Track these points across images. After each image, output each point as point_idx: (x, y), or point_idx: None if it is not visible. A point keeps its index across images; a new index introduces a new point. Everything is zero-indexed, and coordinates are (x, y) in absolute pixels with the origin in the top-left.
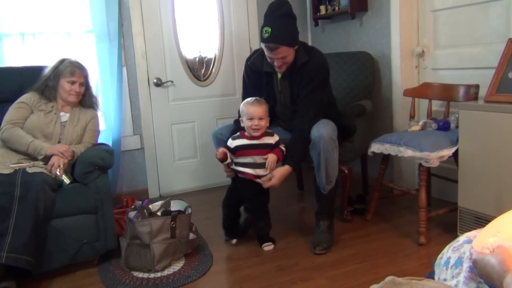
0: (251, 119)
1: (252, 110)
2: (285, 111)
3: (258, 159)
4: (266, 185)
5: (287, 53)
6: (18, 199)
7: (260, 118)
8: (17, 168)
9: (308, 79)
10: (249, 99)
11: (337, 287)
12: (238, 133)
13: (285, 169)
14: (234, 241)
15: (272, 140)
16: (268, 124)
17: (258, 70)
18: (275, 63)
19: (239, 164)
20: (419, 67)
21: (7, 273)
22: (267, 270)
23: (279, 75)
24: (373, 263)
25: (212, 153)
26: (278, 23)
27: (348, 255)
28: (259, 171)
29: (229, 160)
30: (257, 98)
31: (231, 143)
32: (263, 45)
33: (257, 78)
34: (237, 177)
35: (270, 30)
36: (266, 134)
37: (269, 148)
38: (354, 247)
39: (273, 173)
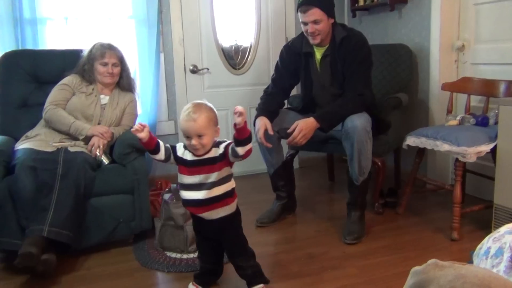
0: (187, 137)
1: (185, 127)
2: (323, 94)
3: (204, 178)
4: (291, 141)
5: (320, 18)
6: (61, 176)
7: (199, 136)
8: (60, 147)
9: (353, 54)
10: (187, 106)
11: (367, 277)
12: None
13: (309, 121)
14: None
15: (217, 152)
16: (218, 135)
17: (297, 52)
18: (309, 30)
19: (182, 187)
20: (458, 61)
21: (48, 246)
22: (297, 257)
23: (318, 56)
24: (404, 255)
25: None
26: None
27: (379, 247)
28: (204, 194)
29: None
30: (199, 103)
31: (179, 149)
32: (299, 14)
33: (293, 62)
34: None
35: None
36: (214, 144)
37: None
38: (385, 239)
39: (297, 122)
